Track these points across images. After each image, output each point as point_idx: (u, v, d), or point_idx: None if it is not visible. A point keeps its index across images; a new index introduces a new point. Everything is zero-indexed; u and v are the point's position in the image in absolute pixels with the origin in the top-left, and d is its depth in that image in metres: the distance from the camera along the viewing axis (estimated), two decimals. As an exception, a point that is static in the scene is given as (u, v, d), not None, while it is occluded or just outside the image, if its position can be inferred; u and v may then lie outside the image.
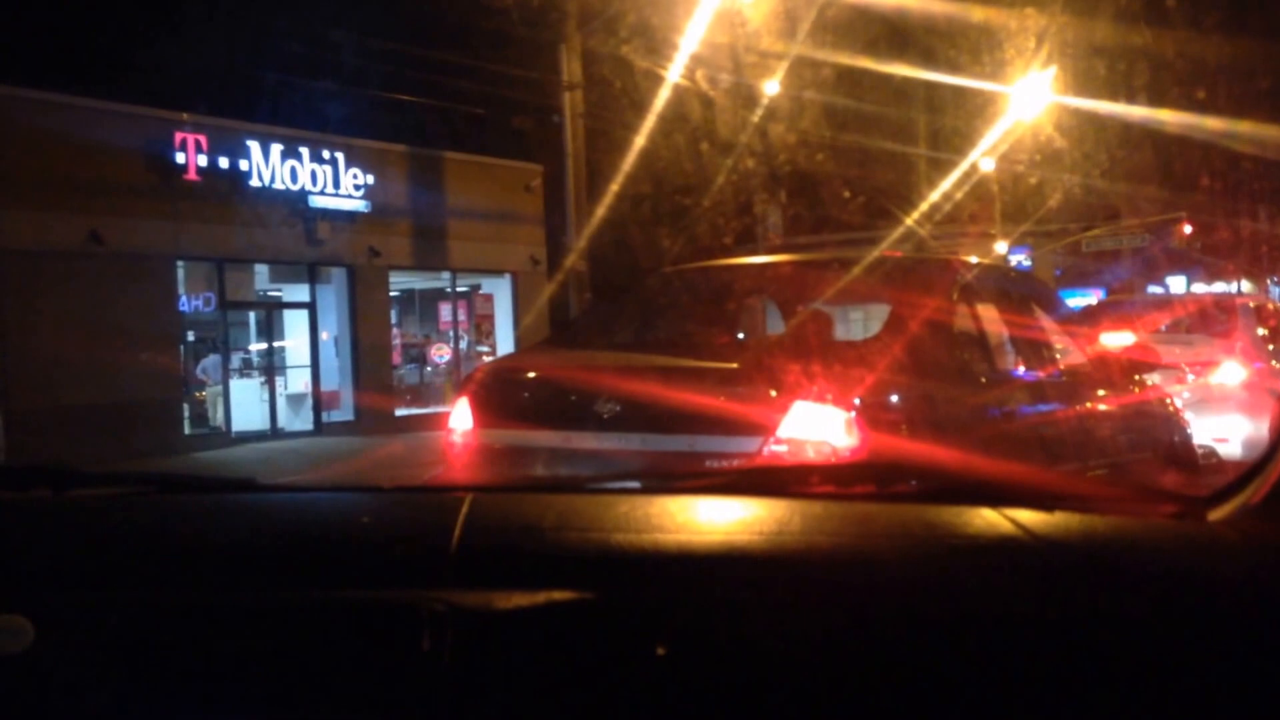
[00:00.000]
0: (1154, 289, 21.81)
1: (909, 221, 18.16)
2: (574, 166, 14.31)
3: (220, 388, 15.80)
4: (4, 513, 1.21)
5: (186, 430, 15.05)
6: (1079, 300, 16.78)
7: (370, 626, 0.88)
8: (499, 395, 4.21)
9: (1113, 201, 25.42)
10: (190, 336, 15.93)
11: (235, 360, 16.71)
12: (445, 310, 19.76)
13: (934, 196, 19.71)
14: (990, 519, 1.13)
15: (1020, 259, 23.76)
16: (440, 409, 14.99)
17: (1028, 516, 1.13)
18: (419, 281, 19.47)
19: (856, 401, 3.59)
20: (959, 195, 20.28)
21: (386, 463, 12.02)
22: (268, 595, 0.92)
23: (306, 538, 1.10)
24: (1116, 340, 5.43)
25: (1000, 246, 22.92)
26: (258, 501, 1.33)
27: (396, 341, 18.68)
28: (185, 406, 15.26)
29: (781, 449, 3.52)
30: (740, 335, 5.41)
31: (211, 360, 15.90)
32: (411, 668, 0.85)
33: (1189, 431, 5.38)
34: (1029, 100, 18.17)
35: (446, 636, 0.87)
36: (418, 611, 0.88)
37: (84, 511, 1.22)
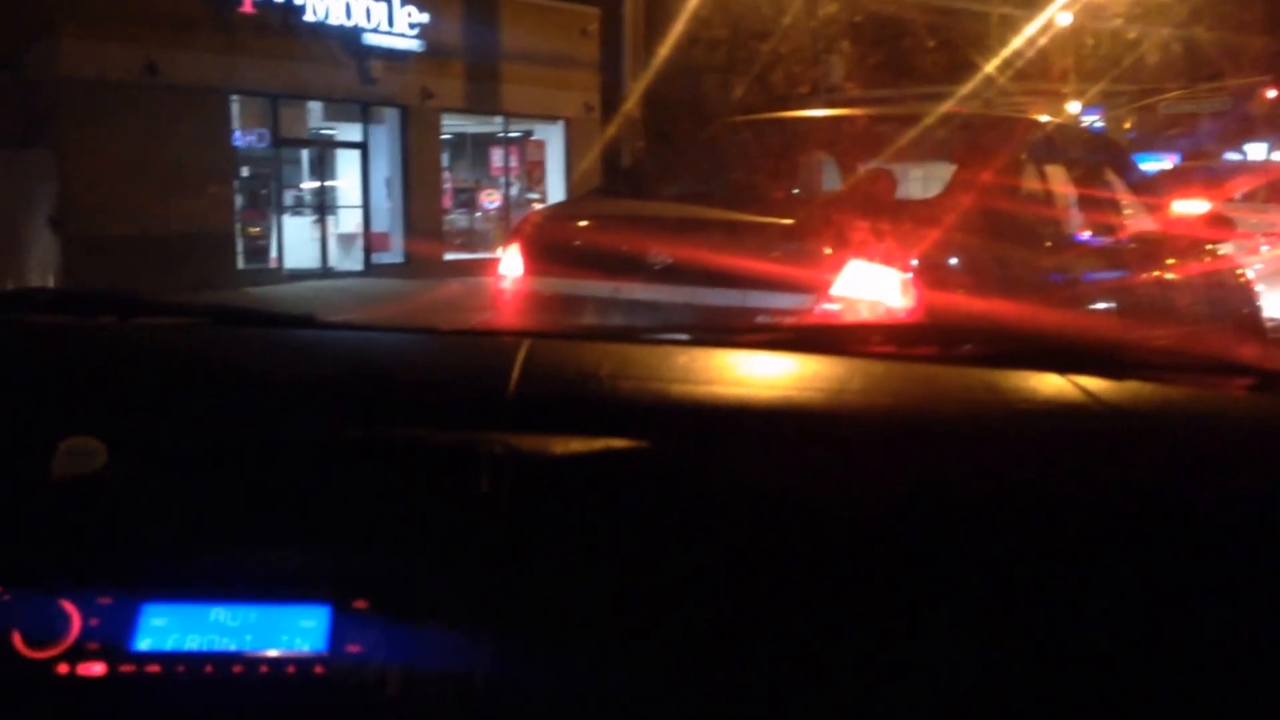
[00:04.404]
0: (1232, 156, 20.92)
1: (982, 72, 17.43)
2: (631, 10, 13.85)
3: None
4: (72, 336, 1.23)
5: (239, 265, 15.25)
6: (1153, 165, 16.17)
7: (429, 466, 0.89)
8: (550, 243, 4.19)
9: (1208, 57, 24.06)
10: (244, 172, 15.96)
11: (288, 198, 16.76)
12: (497, 156, 19.55)
13: (1005, 51, 18.87)
14: (1057, 384, 1.10)
15: (1093, 120, 22.87)
16: (489, 255, 15.01)
17: (1096, 384, 1.10)
18: (471, 125, 19.22)
19: (914, 262, 3.52)
20: (1030, 52, 19.40)
21: (443, 305, 12.14)
22: (328, 430, 0.93)
23: (365, 375, 1.10)
24: (1190, 208, 5.25)
25: (1073, 106, 22.04)
26: (318, 338, 1.33)
27: (447, 185, 18.59)
28: (239, 241, 15.41)
29: (835, 308, 3.49)
30: (797, 191, 5.30)
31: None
32: (470, 508, 0.85)
33: (1259, 304, 5.25)
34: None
35: (505, 479, 0.87)
36: (477, 453, 0.88)
37: (150, 339, 1.23)
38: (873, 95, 19.98)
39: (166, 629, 0.80)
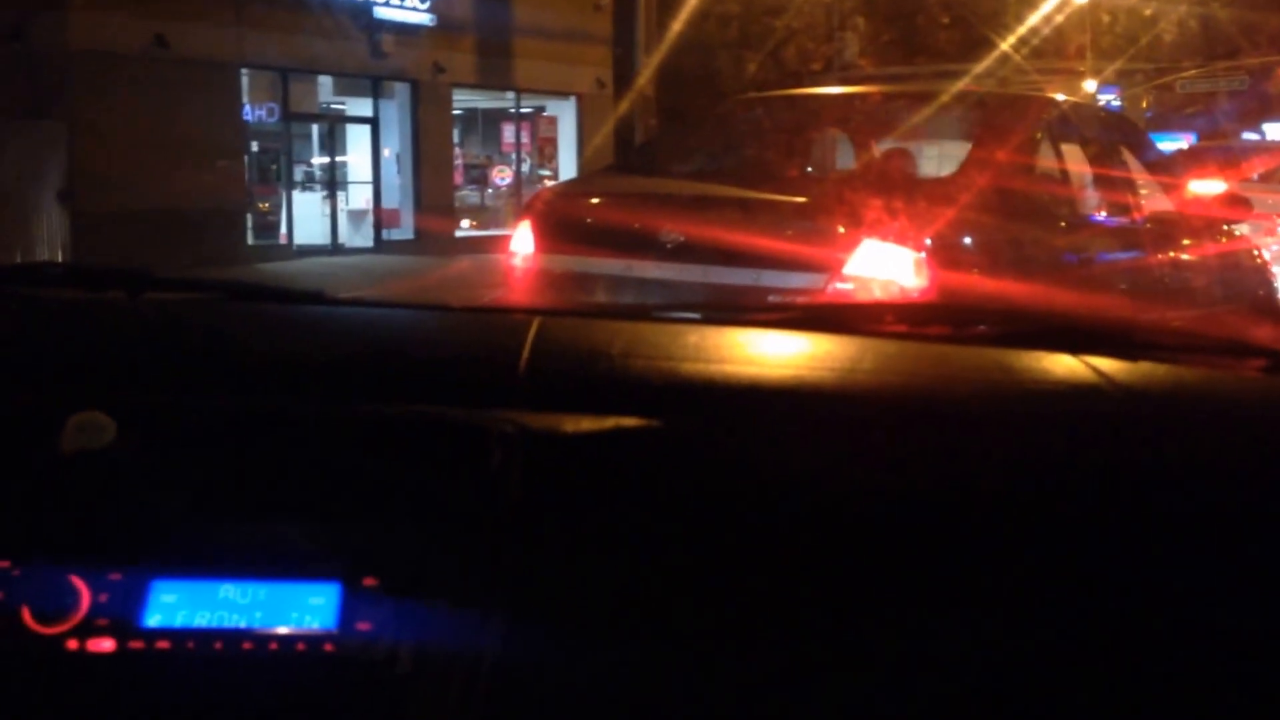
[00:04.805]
0: (1249, 135, 20.73)
1: (998, 50, 17.28)
2: (645, -15, 13.76)
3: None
4: (81, 312, 1.22)
5: (249, 241, 15.26)
6: (1170, 145, 16.03)
7: (439, 443, 0.88)
8: (562, 220, 4.18)
9: (1225, 34, 23.73)
10: (254, 147, 15.94)
11: (298, 173, 16.75)
12: (508, 131, 19.50)
13: (1020, 28, 18.72)
14: (1070, 365, 1.10)
15: (1110, 99, 22.69)
16: (500, 232, 14.99)
17: (1109, 364, 1.09)
18: (482, 101, 19.16)
19: (928, 241, 3.50)
20: (1046, 30, 19.24)
21: (453, 282, 12.14)
22: (338, 407, 0.92)
23: (376, 352, 1.09)
24: (1206, 188, 5.22)
25: (1089, 85, 21.86)
26: (328, 314, 1.32)
27: (458, 161, 18.56)
28: (249, 217, 15.41)
29: (848, 287, 3.47)
30: (811, 169, 5.27)
31: None
32: (480, 486, 0.85)
33: (1275, 285, 5.23)
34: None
35: (515, 457, 0.86)
36: (488, 430, 0.88)
37: (160, 315, 1.22)
38: (887, 73, 19.82)
39: (176, 605, 0.80)
